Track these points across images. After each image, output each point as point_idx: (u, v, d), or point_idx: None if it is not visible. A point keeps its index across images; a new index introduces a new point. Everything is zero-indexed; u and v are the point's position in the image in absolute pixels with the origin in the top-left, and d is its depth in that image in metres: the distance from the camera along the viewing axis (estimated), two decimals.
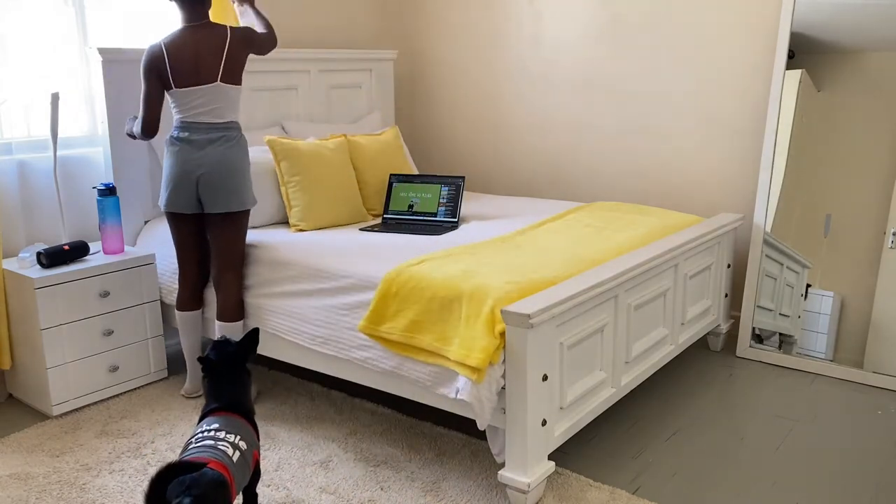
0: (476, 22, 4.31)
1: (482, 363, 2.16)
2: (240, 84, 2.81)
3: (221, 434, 1.91)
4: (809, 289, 3.24)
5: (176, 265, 3.06)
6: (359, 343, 2.55)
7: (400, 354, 2.42)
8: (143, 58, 2.73)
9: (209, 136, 2.75)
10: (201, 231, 2.92)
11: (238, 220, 2.84)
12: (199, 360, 2.11)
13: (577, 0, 3.91)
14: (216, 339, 2.19)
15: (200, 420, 2.04)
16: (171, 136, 2.79)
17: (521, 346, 2.13)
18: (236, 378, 2.11)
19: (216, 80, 2.73)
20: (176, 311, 3.01)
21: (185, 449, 1.88)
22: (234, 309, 2.88)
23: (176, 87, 2.73)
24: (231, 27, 2.80)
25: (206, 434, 1.91)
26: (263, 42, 2.92)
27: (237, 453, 1.89)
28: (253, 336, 2.17)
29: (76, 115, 3.27)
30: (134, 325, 3.08)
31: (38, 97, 3.12)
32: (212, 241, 2.86)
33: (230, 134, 2.79)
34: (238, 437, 1.94)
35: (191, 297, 3.00)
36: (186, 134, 2.75)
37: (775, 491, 2.33)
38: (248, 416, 2.08)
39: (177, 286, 3.10)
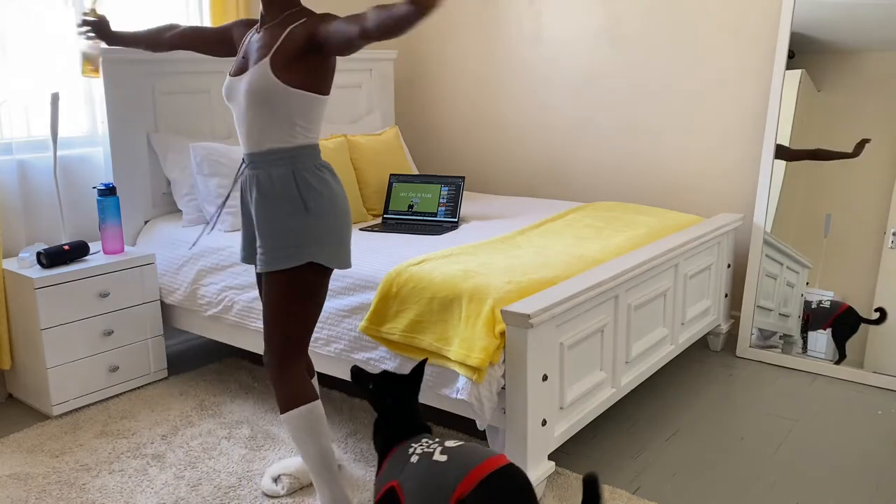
0: (476, 21, 4.31)
1: (482, 363, 2.16)
2: None
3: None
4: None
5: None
6: (361, 344, 2.55)
7: (401, 355, 2.42)
8: None
9: None
10: None
11: None
12: (376, 391, 1.92)
13: (577, 0, 3.91)
14: (376, 373, 1.98)
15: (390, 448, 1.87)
16: (320, 164, 2.07)
17: (521, 346, 2.13)
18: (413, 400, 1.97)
19: None
20: (305, 408, 2.05)
21: (403, 466, 1.76)
22: None
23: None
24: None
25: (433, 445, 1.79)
26: None
27: None
28: (422, 368, 1.99)
29: (76, 115, 3.26)
30: (134, 325, 3.08)
31: (38, 97, 3.12)
32: None
33: None
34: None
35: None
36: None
37: (775, 491, 2.33)
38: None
39: (176, 289, 3.11)
